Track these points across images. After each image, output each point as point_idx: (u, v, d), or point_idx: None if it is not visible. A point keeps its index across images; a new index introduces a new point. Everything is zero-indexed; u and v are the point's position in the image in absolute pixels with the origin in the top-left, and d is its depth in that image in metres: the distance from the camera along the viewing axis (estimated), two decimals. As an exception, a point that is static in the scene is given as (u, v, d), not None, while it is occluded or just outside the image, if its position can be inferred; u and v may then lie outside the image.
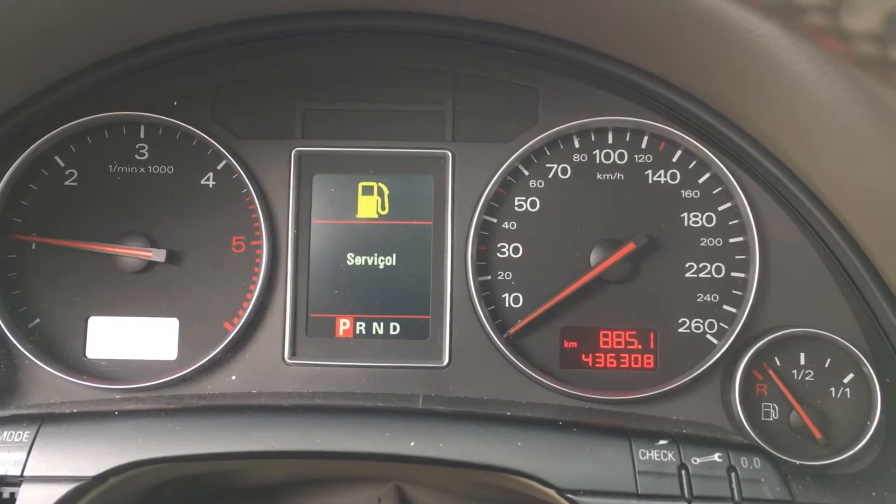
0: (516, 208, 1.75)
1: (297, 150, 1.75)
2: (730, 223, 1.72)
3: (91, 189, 1.75)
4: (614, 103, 1.73)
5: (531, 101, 1.76)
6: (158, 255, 1.70)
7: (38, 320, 1.73)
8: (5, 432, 1.34)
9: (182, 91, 1.76)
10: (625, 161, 1.75)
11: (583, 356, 1.72)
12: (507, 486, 1.35)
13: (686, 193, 1.73)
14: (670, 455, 1.31)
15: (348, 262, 1.75)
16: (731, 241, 1.71)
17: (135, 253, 1.71)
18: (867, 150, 1.24)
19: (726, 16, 1.07)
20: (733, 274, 1.71)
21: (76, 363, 1.72)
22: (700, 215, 1.73)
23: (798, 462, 1.55)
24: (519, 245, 1.74)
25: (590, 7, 1.45)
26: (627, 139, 1.75)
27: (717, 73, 1.43)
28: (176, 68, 1.73)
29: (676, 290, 1.71)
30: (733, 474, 1.30)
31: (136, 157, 1.76)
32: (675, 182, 1.74)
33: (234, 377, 1.70)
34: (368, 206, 1.76)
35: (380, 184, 1.76)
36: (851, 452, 1.58)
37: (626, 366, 1.71)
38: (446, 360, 1.70)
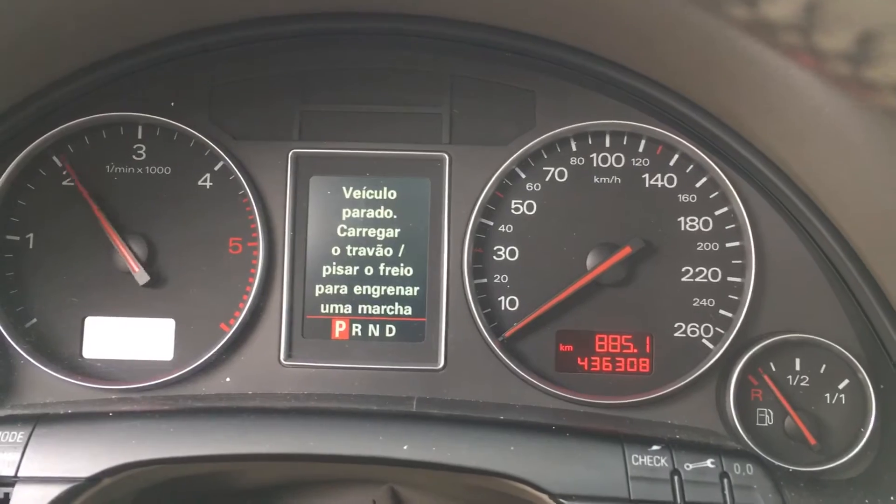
0: (513, 211, 1.75)
1: (294, 152, 1.75)
2: (726, 227, 1.72)
3: (89, 189, 1.75)
4: (612, 107, 1.73)
5: (528, 104, 1.75)
6: (141, 278, 1.70)
7: (34, 320, 1.73)
8: (0, 433, 1.35)
9: (180, 92, 1.76)
10: (622, 165, 1.74)
11: (578, 360, 1.72)
12: (500, 489, 1.35)
13: (683, 198, 1.73)
14: (663, 460, 1.31)
15: (345, 263, 1.75)
16: (728, 245, 1.71)
17: (126, 257, 1.71)
18: (862, 156, 1.24)
19: (712, 27, 1.07)
20: (729, 278, 1.71)
21: (72, 363, 1.72)
22: (697, 219, 1.73)
23: (792, 468, 1.56)
24: (515, 248, 1.74)
25: (587, 11, 1.45)
26: (625, 143, 1.75)
27: (713, 79, 1.43)
28: (173, 69, 1.73)
29: (672, 294, 1.71)
30: (726, 480, 1.29)
31: (134, 157, 1.76)
32: (672, 186, 1.73)
33: (229, 378, 1.71)
34: (365, 209, 1.77)
35: (376, 186, 1.76)
36: (846, 459, 1.58)
37: (622, 370, 1.71)
38: (442, 363, 1.70)
